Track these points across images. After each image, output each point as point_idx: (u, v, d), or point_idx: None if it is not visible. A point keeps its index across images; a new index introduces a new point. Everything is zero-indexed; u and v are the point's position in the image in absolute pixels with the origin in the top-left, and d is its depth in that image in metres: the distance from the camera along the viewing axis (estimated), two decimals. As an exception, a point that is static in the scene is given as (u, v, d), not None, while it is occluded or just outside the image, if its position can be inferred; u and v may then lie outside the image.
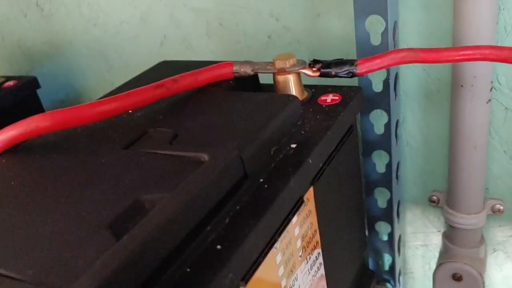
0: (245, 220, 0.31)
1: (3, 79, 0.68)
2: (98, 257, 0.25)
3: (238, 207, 0.32)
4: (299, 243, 0.37)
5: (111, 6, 0.68)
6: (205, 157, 0.32)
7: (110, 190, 0.31)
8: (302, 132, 0.39)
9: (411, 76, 0.53)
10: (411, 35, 0.51)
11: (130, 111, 0.40)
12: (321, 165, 0.39)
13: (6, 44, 0.82)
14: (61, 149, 0.37)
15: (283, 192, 0.33)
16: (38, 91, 0.70)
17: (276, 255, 0.34)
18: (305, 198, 0.37)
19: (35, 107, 0.70)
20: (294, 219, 0.36)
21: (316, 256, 0.40)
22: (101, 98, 0.46)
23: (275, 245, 0.33)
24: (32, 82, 0.68)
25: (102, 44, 0.72)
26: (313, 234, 0.39)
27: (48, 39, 0.77)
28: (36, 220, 0.29)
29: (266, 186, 0.33)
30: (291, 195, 0.34)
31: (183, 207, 0.28)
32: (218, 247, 0.29)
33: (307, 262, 0.39)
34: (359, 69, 0.42)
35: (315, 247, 0.40)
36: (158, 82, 0.41)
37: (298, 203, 0.36)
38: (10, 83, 0.66)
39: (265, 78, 0.47)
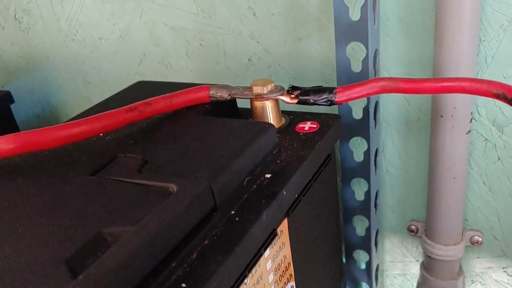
0: (213, 256, 0.29)
1: (-25, 93, 0.66)
2: (50, 297, 0.23)
3: (206, 241, 0.30)
4: (271, 277, 0.36)
5: (90, 22, 0.67)
6: (173, 187, 0.31)
7: (72, 220, 0.29)
8: (278, 161, 0.38)
9: (392, 104, 0.52)
10: (392, 62, 0.50)
11: (100, 134, 0.39)
12: (296, 196, 0.38)
13: (-18, 56, 0.80)
14: (23, 173, 0.35)
15: (255, 225, 0.32)
16: (14, 105, 0.68)
17: (246, 291, 0.32)
18: (278, 230, 0.36)
19: (8, 122, 0.68)
20: (267, 252, 0.34)
21: (289, 290, 0.39)
22: (75, 117, 0.45)
23: (245, 281, 0.32)
24: (5, 96, 0.66)
25: (80, 60, 0.71)
26: (286, 267, 0.38)
27: (25, 53, 0.75)
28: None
29: (237, 218, 0.32)
30: (263, 228, 0.33)
31: (147, 241, 0.27)
32: (183, 285, 0.27)
33: (280, 296, 0.37)
34: (338, 97, 0.41)
35: (288, 281, 0.39)
36: (130, 105, 0.39)
37: (271, 236, 0.35)
38: (-17, 97, 0.64)
39: (243, 102, 0.46)
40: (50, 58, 0.73)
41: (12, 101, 0.67)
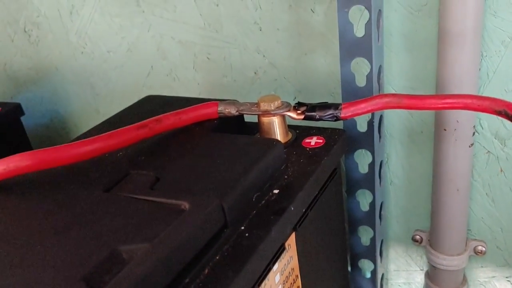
0: (225, 271, 0.30)
1: (-14, 105, 0.67)
2: (71, 314, 0.24)
3: (217, 257, 0.31)
4: (279, 290, 0.37)
5: (99, 35, 0.68)
6: (185, 205, 0.32)
7: (88, 238, 0.30)
8: (285, 177, 0.39)
9: (396, 117, 0.53)
10: (396, 77, 0.51)
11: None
12: (303, 210, 0.39)
13: (-8, 67, 0.81)
14: (40, 190, 0.36)
15: (264, 241, 0.33)
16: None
17: (255, 305, 0.33)
18: (286, 244, 0.37)
19: (19, 134, 0.70)
20: (275, 266, 0.35)
21: (297, 302, 0.40)
22: (86, 132, 0.46)
23: (255, 295, 0.33)
24: (16, 108, 0.68)
25: (89, 72, 0.72)
26: (294, 279, 0.39)
27: (34, 65, 0.77)
28: (5, 268, 0.28)
29: (247, 234, 0.33)
30: (272, 243, 0.34)
31: (163, 259, 0.28)
32: (196, 301, 0.28)
33: (288, 308, 0.38)
34: (343, 113, 0.42)
35: (296, 293, 0.40)
36: (141, 122, 0.40)
37: (279, 251, 0.36)
38: (-6, 109, 0.66)
39: (251, 116, 0.47)
40: (59, 70, 0.75)
41: (22, 113, 0.68)
